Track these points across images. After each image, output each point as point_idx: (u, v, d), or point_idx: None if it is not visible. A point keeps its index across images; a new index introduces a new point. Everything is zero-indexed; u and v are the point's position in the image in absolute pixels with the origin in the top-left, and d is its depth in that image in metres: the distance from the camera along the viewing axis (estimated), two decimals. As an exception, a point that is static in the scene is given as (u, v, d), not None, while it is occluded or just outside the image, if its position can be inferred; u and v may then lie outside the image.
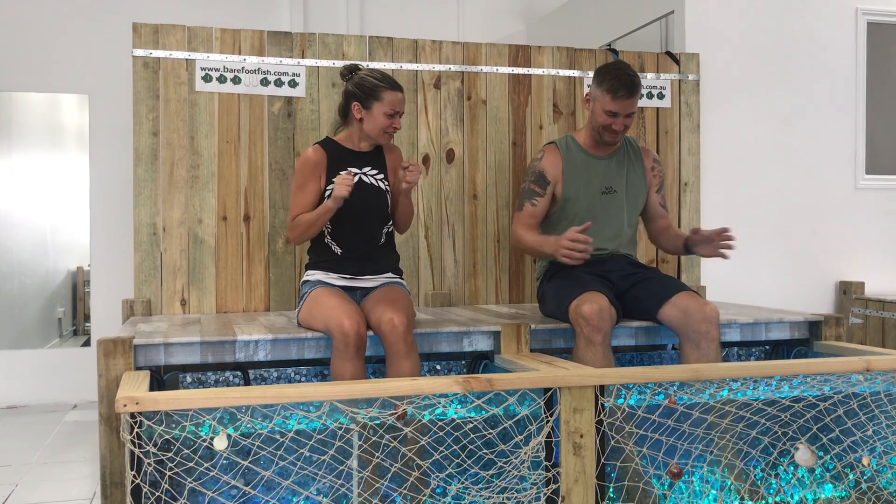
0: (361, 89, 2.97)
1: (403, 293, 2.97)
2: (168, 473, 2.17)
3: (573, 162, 3.28)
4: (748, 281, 4.36)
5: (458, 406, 2.42)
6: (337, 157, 3.04)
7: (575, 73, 4.02)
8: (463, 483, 2.43)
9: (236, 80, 3.62)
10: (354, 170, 3.03)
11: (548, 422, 2.40)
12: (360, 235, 3.05)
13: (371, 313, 2.83)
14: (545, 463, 2.41)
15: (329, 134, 3.30)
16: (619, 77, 3.11)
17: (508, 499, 2.42)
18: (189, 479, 2.22)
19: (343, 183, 2.87)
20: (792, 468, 2.77)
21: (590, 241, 2.95)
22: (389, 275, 3.10)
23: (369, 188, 3.05)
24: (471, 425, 2.41)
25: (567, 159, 3.28)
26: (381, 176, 3.08)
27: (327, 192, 3.01)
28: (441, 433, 2.39)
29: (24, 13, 4.94)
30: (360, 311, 2.81)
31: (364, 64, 3.72)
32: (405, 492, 2.40)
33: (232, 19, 4.86)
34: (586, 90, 3.98)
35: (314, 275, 3.04)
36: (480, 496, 2.41)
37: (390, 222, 3.14)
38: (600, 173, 3.28)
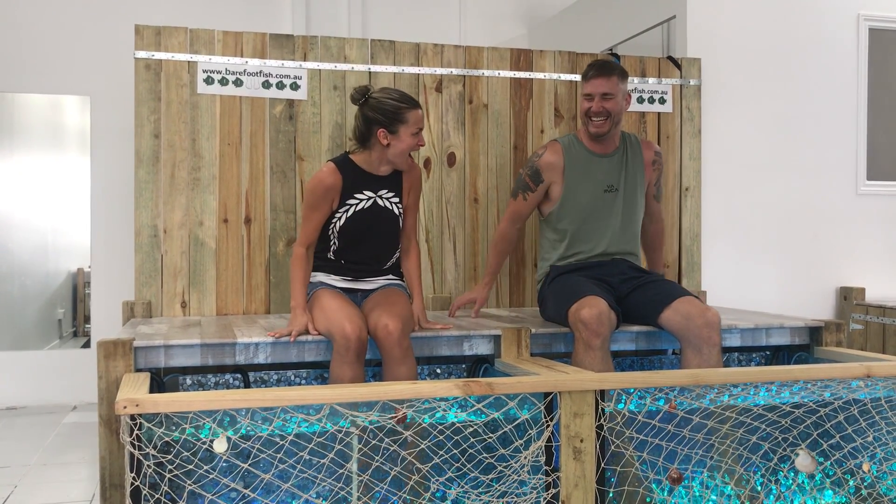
0: (384, 115, 2.86)
1: (402, 296, 2.96)
2: (168, 476, 2.17)
3: (575, 160, 3.29)
4: (749, 286, 4.35)
5: (459, 410, 2.42)
6: (353, 179, 2.94)
7: (576, 77, 4.02)
8: (463, 487, 2.43)
9: (238, 83, 3.62)
10: (370, 193, 2.96)
11: (548, 426, 2.39)
12: (366, 256, 3.02)
13: (369, 317, 2.82)
14: (545, 467, 2.41)
15: (346, 149, 3.15)
16: (591, 63, 3.29)
17: (508, 503, 2.41)
18: (189, 482, 2.21)
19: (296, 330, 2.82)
20: (792, 474, 2.76)
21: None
22: (390, 276, 3.10)
23: (382, 211, 2.99)
24: (471, 429, 2.41)
25: (569, 158, 3.28)
26: (397, 199, 3.01)
27: (338, 215, 2.95)
28: (441, 437, 2.39)
29: (26, 15, 4.94)
30: (361, 315, 2.80)
31: (366, 68, 3.73)
32: (405, 495, 2.40)
33: (234, 22, 4.86)
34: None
35: (316, 276, 3.03)
36: (480, 500, 2.41)
37: (398, 250, 3.10)
38: (602, 171, 3.29)
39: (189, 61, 3.57)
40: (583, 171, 3.28)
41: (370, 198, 2.96)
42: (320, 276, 3.03)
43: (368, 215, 2.95)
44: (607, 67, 3.21)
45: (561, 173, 3.27)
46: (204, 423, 2.18)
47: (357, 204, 2.95)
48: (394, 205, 3.01)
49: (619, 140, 3.34)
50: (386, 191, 2.99)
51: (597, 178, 3.28)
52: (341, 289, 3.00)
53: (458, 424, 2.41)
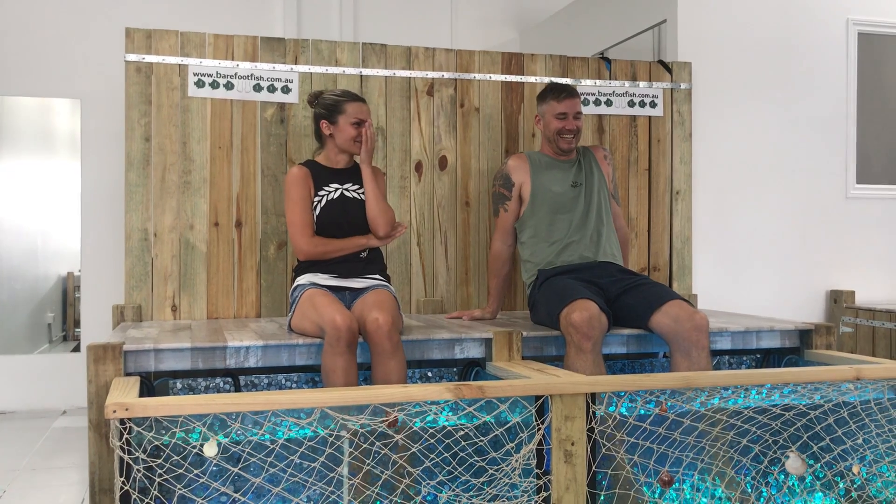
0: (326, 108, 3.16)
1: (390, 296, 3.00)
2: (157, 480, 2.16)
3: (539, 163, 3.47)
4: (739, 289, 4.37)
5: (450, 413, 2.42)
6: (319, 174, 3.17)
7: (568, 81, 4.03)
8: (454, 491, 2.42)
9: (229, 86, 3.61)
10: (336, 185, 3.15)
11: (539, 429, 2.39)
12: None
13: (359, 315, 2.86)
14: (536, 471, 2.41)
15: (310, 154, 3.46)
16: (556, 85, 3.50)
17: (499, 506, 2.41)
18: (178, 486, 2.21)
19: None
20: (782, 476, 2.77)
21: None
22: (378, 278, 3.14)
23: (352, 202, 3.14)
24: (462, 433, 2.41)
25: (533, 162, 3.47)
26: (363, 190, 3.16)
27: (315, 202, 3.12)
28: (432, 440, 2.38)
29: (15, 17, 4.92)
30: (351, 312, 2.83)
31: (357, 71, 3.74)
32: (395, 499, 2.39)
33: (225, 25, 4.85)
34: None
35: (304, 277, 3.08)
36: (471, 504, 2.41)
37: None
38: (566, 170, 3.45)
39: (180, 64, 3.56)
40: (548, 170, 3.45)
41: (337, 189, 3.15)
42: (308, 277, 3.08)
43: (339, 204, 3.13)
44: (573, 90, 3.44)
45: (528, 172, 3.44)
46: (194, 428, 2.18)
47: (327, 195, 3.14)
48: (360, 195, 3.18)
49: (574, 147, 3.53)
50: (351, 183, 3.18)
51: (562, 176, 3.44)
52: (330, 287, 3.04)
53: (449, 428, 2.41)
